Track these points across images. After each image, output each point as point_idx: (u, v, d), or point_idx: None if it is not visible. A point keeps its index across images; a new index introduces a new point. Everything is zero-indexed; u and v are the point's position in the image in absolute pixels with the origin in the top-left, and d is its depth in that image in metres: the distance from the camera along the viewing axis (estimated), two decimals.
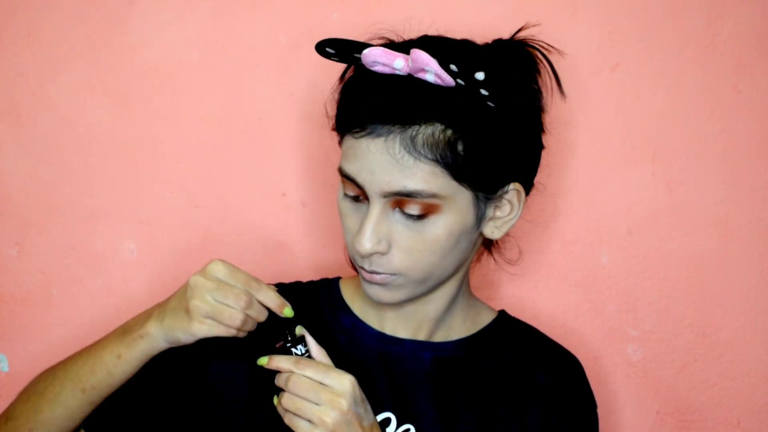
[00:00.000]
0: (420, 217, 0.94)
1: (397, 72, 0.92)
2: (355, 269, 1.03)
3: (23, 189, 1.30)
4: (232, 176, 1.29)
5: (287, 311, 0.97)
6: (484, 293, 1.30)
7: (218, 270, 0.96)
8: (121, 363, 0.98)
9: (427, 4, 1.24)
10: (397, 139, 0.91)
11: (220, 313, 0.94)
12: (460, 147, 0.92)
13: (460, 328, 1.08)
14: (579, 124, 1.26)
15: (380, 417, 1.02)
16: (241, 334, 0.96)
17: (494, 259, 1.13)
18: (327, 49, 0.97)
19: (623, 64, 1.25)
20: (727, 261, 1.27)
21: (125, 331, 0.99)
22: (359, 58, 0.94)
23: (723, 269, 1.28)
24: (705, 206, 1.27)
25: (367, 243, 0.94)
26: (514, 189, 0.98)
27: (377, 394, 1.02)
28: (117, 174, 1.30)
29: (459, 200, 0.94)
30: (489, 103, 0.91)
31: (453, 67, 0.89)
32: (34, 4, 1.27)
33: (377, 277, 0.97)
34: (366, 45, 0.94)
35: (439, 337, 1.07)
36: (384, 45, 0.98)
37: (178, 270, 1.30)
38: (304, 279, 1.13)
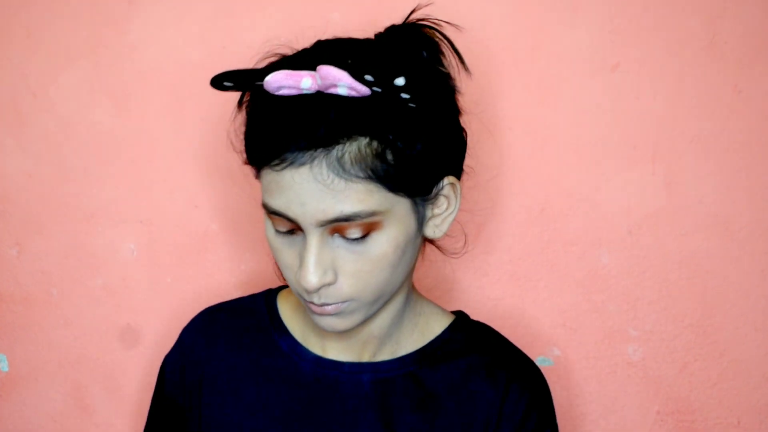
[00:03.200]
0: (362, 238, 0.88)
1: (304, 92, 0.86)
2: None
3: (23, 189, 1.30)
4: (232, 176, 1.29)
5: None
6: (483, 294, 1.30)
7: None
8: None
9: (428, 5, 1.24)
10: (323, 163, 0.85)
11: None
12: (389, 157, 0.86)
13: (407, 341, 1.03)
14: (579, 124, 1.26)
15: None
16: None
17: (443, 252, 1.09)
18: (224, 83, 0.90)
19: (623, 64, 1.25)
20: (727, 261, 1.27)
21: None
22: (261, 86, 0.87)
23: (723, 269, 1.28)
24: (705, 206, 1.27)
25: (313, 278, 0.88)
26: (448, 183, 0.94)
27: (319, 421, 0.98)
28: (117, 174, 1.30)
29: (398, 210, 0.89)
30: (410, 104, 0.86)
31: (369, 77, 0.83)
32: (34, 4, 1.27)
33: (329, 309, 0.91)
34: (265, 71, 0.88)
35: (386, 354, 1.02)
36: (278, 61, 0.92)
37: (178, 270, 1.30)
38: None
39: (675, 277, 1.28)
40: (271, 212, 0.89)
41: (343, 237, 0.88)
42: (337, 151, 0.85)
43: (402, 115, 0.87)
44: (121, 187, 1.30)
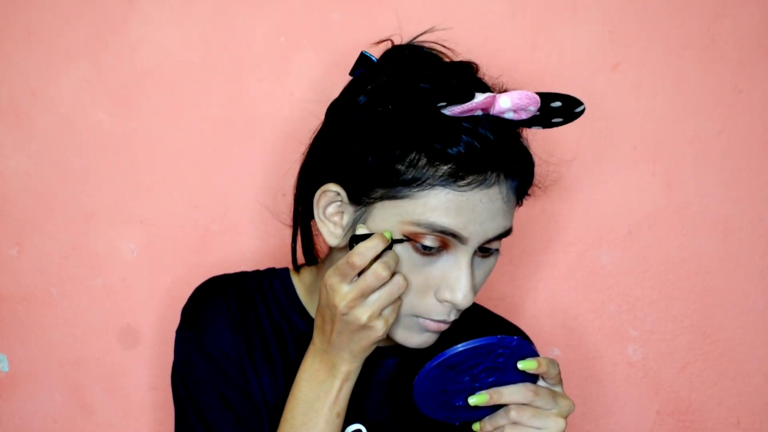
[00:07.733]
0: (495, 251, 0.91)
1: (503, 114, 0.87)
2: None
3: (23, 189, 1.30)
4: (232, 176, 1.29)
5: (387, 234, 0.86)
6: (484, 294, 1.30)
7: (335, 284, 0.86)
8: (341, 417, 0.92)
9: (428, 5, 1.24)
10: (508, 183, 0.88)
11: (386, 297, 0.86)
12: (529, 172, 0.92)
13: None
14: (579, 124, 1.26)
15: (351, 429, 0.98)
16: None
17: None
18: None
19: (623, 64, 1.25)
20: (727, 261, 1.27)
21: (318, 397, 0.91)
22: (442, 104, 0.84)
23: (723, 269, 1.28)
24: (705, 206, 1.27)
25: (470, 295, 0.88)
26: None
27: (350, 402, 0.96)
28: (117, 174, 1.30)
29: None
30: (557, 125, 0.92)
31: (557, 103, 0.88)
32: (34, 4, 1.27)
33: (445, 326, 0.92)
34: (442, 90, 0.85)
35: None
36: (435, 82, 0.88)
37: (178, 270, 1.30)
38: None
39: (675, 277, 1.28)
40: (438, 231, 0.86)
41: (480, 252, 0.90)
42: (515, 169, 0.88)
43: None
44: (121, 187, 1.30)
